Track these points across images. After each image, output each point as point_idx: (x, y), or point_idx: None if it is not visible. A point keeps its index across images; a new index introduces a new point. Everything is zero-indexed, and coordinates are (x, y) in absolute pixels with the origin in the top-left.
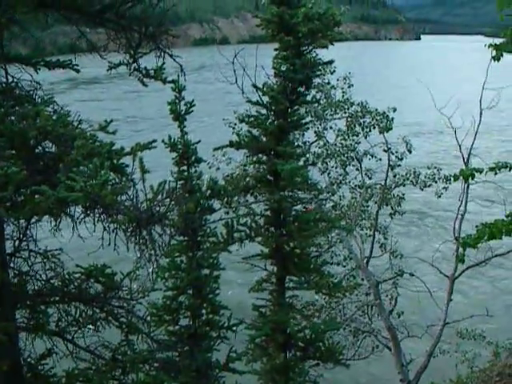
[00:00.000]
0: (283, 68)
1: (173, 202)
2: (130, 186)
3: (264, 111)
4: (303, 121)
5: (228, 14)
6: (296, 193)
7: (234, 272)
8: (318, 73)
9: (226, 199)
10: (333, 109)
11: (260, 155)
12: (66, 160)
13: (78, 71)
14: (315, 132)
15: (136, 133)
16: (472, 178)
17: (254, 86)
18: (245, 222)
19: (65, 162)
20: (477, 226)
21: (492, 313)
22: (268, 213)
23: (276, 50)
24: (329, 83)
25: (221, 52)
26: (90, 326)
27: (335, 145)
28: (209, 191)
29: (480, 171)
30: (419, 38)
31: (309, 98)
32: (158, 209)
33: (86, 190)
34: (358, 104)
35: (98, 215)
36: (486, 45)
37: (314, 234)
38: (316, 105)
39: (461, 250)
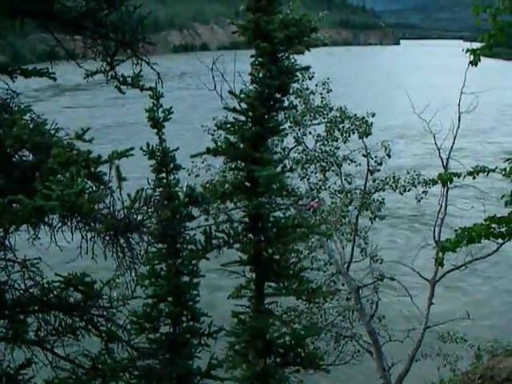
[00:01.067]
0: (260, 74)
1: (150, 210)
2: (107, 194)
3: (241, 118)
4: (281, 127)
5: (208, 20)
6: (274, 199)
7: (213, 279)
8: (295, 79)
9: (203, 206)
10: (312, 114)
11: (238, 162)
12: (43, 169)
13: (54, 79)
14: (294, 138)
15: (124, 139)
16: (450, 183)
17: (231, 92)
18: (223, 229)
19: (41, 171)
20: (456, 230)
21: (473, 316)
22: (246, 219)
23: (252, 56)
24: (307, 89)
25: (200, 59)
26: (70, 335)
27: (314, 150)
28: (186, 198)
29: (458, 175)
30: (399, 43)
31: (286, 104)
32: (135, 216)
33: (62, 199)
34: (337, 109)
35: (75, 223)
36: (463, 50)
37: (292, 240)
38: (295, 110)
39: (440, 254)
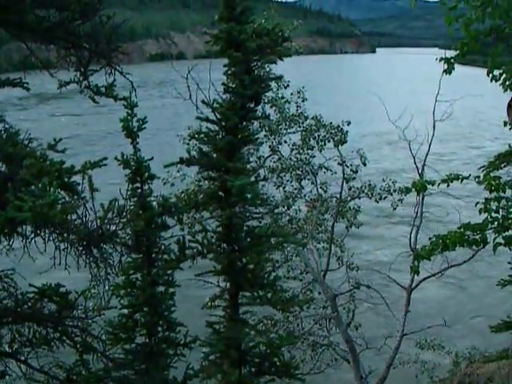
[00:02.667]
0: (233, 84)
1: (123, 220)
2: (80, 205)
3: (215, 127)
4: (256, 136)
5: (184, 29)
6: (248, 208)
7: (188, 289)
8: (269, 88)
9: (177, 216)
10: (287, 123)
11: (211, 171)
12: (16, 179)
13: (27, 89)
14: (270, 146)
15: (109, 148)
16: (424, 191)
17: (204, 102)
18: (197, 239)
19: (14, 182)
20: (430, 238)
21: (450, 323)
22: (220, 229)
23: (226, 65)
24: (283, 97)
25: (176, 68)
26: (44, 346)
27: (290, 159)
28: (160, 208)
29: (432, 183)
30: (375, 51)
31: (260, 113)
32: (108, 227)
33: (34, 210)
34: (313, 118)
35: (48, 234)
36: (437, 58)
37: (266, 249)
38: (271, 119)
39: (415, 262)
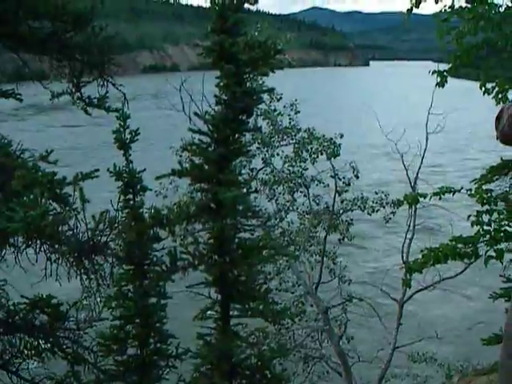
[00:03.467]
0: (225, 96)
1: (115, 232)
2: (71, 216)
3: (206, 139)
4: (248, 148)
5: (178, 41)
6: (239, 220)
7: (179, 300)
8: (261, 100)
9: (169, 228)
10: (280, 135)
11: (203, 183)
12: (7, 190)
13: (21, 100)
14: (262, 159)
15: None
16: (416, 204)
17: (196, 114)
18: (188, 251)
19: (5, 192)
20: (422, 251)
21: (442, 335)
22: (211, 241)
23: (218, 77)
24: (275, 110)
25: (170, 80)
26: (35, 358)
27: (282, 171)
28: (151, 220)
29: (424, 196)
30: (368, 64)
31: (252, 125)
32: (99, 238)
33: (26, 221)
34: (305, 130)
35: (39, 245)
36: (429, 71)
37: (258, 262)
38: (263, 132)
39: (407, 274)
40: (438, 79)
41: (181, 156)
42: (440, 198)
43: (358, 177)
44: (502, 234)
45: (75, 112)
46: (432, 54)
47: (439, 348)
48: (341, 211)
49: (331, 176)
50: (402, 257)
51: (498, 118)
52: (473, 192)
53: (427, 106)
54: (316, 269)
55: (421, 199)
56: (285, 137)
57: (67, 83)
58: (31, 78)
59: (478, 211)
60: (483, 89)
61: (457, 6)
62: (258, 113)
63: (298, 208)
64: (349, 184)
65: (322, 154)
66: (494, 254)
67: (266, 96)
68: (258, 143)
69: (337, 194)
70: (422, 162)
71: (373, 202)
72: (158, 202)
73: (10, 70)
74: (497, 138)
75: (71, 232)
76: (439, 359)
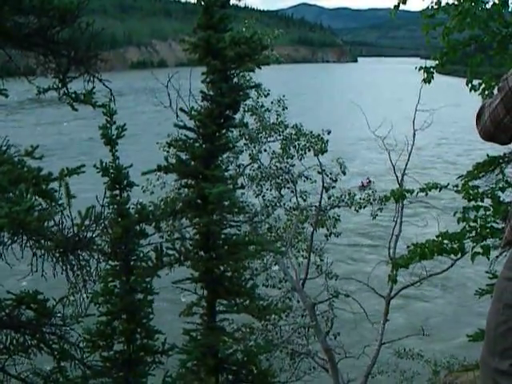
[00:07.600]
0: (211, 92)
1: (100, 227)
2: (57, 212)
3: (193, 135)
4: (233, 144)
5: (166, 36)
6: (225, 216)
7: (165, 296)
8: (247, 96)
9: (155, 223)
10: (267, 131)
11: (189, 179)
12: None
13: (6, 96)
14: (250, 155)
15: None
16: (402, 199)
17: (182, 109)
18: (174, 247)
19: None
20: (408, 247)
21: (429, 332)
22: (197, 236)
23: (204, 73)
24: (263, 106)
25: (157, 75)
26: (22, 354)
27: (270, 167)
28: (137, 216)
29: (411, 192)
30: (356, 60)
31: (238, 121)
32: (85, 234)
33: (11, 216)
34: (293, 126)
35: (25, 241)
36: (416, 67)
37: (244, 257)
38: (250, 127)
39: (394, 270)
40: (425, 75)
41: (168, 152)
42: (426, 194)
43: (344, 173)
44: (488, 231)
45: (62, 108)
46: (420, 51)
47: (426, 344)
48: (328, 207)
49: (318, 172)
50: (389, 253)
51: (479, 115)
52: (459, 188)
53: (414, 101)
54: (303, 265)
55: (407, 195)
56: (272, 133)
57: (53, 79)
58: (17, 74)
59: (464, 207)
60: (469, 85)
61: (444, 3)
62: (246, 109)
63: (285, 204)
64: (336, 180)
65: (309, 150)
66: (480, 250)
67: (253, 92)
68: (246, 139)
69: (324, 190)
70: (409, 158)
71: (360, 198)
72: (144, 198)
73: None
74: (478, 133)
75: (57, 227)
76: (426, 355)
